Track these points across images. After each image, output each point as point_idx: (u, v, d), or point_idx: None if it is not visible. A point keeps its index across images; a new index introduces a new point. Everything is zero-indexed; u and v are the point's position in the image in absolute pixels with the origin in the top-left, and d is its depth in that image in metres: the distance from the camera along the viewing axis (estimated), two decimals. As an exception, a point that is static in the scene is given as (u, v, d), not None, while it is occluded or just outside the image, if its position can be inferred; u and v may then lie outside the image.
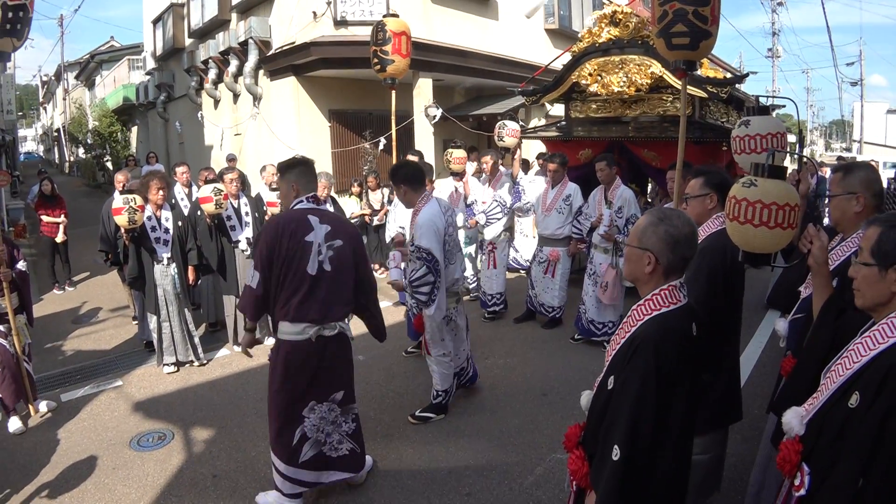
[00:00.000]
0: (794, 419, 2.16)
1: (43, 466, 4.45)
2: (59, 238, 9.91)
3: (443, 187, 8.21)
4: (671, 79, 6.90)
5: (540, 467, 4.24)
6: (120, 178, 7.88)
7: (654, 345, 2.08)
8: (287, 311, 3.63)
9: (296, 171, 3.86)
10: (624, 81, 7.35)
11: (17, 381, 5.06)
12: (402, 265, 5.17)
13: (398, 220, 6.09)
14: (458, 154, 7.78)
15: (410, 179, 4.75)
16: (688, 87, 6.66)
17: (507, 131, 7.81)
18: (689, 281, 2.30)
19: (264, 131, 12.67)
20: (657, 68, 7.04)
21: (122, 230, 5.79)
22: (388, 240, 7.51)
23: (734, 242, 2.69)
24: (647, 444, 2.03)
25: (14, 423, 5.03)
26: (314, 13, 11.04)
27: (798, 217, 2.58)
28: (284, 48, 11.62)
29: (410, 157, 7.12)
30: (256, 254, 3.70)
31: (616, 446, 2.04)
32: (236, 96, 13.83)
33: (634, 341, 2.15)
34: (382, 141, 11.56)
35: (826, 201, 3.60)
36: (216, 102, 14.93)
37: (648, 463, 2.04)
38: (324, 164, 11.81)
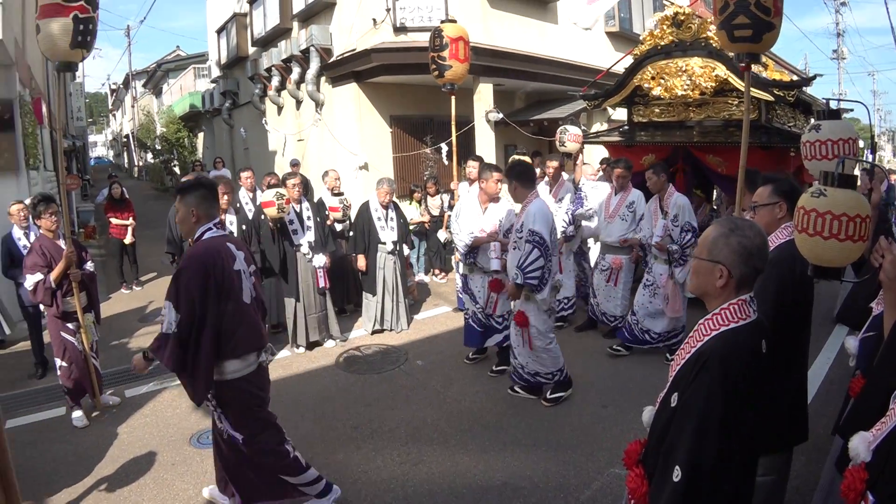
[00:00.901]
0: (861, 445, 2.04)
1: (104, 459, 4.58)
2: (128, 240, 10.25)
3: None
4: (736, 81, 6.70)
5: (597, 482, 4.12)
6: (267, 179, 8.09)
7: (721, 362, 1.97)
8: (235, 346, 3.38)
9: (196, 194, 3.47)
10: (687, 84, 7.18)
11: (84, 377, 5.24)
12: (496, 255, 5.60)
13: (466, 225, 6.05)
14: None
15: (522, 176, 5.10)
16: (753, 90, 6.50)
17: (569, 136, 7.69)
18: (756, 294, 2.18)
19: (326, 137, 12.83)
20: (722, 70, 6.85)
21: (269, 221, 5.98)
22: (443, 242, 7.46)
23: (803, 255, 2.58)
24: (710, 466, 1.92)
25: (78, 417, 5.21)
26: (374, 20, 11.13)
27: (869, 229, 2.46)
28: (345, 55, 11.74)
29: (523, 157, 7.19)
30: (174, 292, 3.25)
31: (678, 466, 1.94)
32: (299, 103, 14.05)
33: (701, 357, 2.04)
34: (444, 147, 11.57)
35: (896, 210, 3.43)
36: (279, 109, 15.21)
37: (710, 485, 1.94)
38: (385, 169, 11.90)
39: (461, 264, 6.32)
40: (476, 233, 5.96)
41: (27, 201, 6.35)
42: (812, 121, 7.84)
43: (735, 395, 1.94)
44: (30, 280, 5.02)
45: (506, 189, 5.47)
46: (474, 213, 6.08)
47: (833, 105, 4.66)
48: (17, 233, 6.30)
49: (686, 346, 2.18)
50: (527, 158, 7.76)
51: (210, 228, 3.46)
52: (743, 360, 1.99)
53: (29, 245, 5.83)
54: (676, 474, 1.94)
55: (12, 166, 8.38)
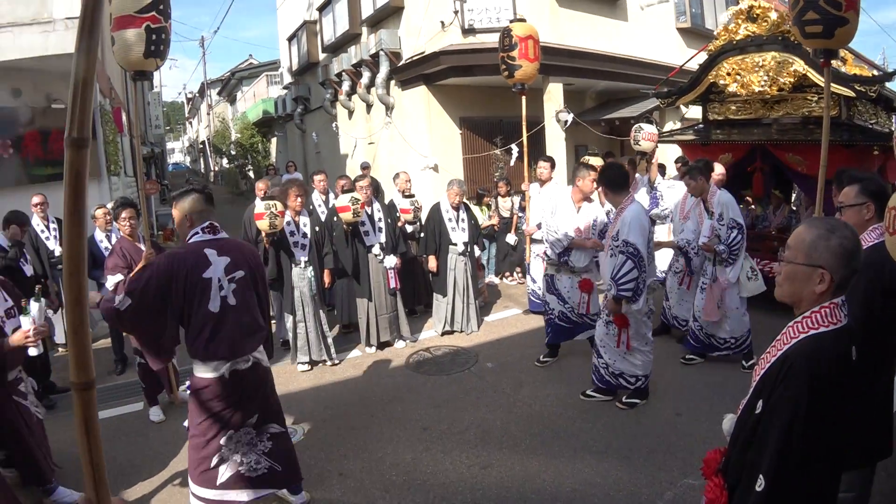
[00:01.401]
0: None
1: (177, 455, 4.69)
2: (205, 242, 10.51)
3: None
4: (815, 77, 6.41)
5: (670, 492, 3.97)
6: (261, 185, 8.30)
7: (808, 368, 1.86)
8: (196, 350, 3.45)
9: (189, 199, 3.57)
10: (765, 80, 6.91)
11: (162, 373, 5.40)
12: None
13: (562, 225, 5.98)
14: (595, 162, 7.60)
15: (612, 183, 5.00)
16: (834, 85, 6.21)
17: (644, 135, 7.50)
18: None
19: (397, 140, 12.95)
20: (800, 65, 6.56)
21: (263, 234, 6.06)
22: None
23: (894, 258, 2.43)
24: (794, 477, 1.82)
25: (155, 413, 5.41)
26: (442, 23, 11.16)
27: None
28: (414, 58, 11.83)
29: (595, 158, 7.13)
30: (133, 278, 3.45)
31: (761, 476, 1.85)
32: (369, 106, 14.23)
33: (787, 361, 1.92)
34: (514, 148, 11.51)
35: None
36: (350, 113, 15.44)
37: (793, 497, 1.84)
38: (455, 171, 11.92)
39: (544, 264, 6.26)
40: (570, 232, 5.89)
41: (109, 206, 6.60)
42: (895, 116, 7.53)
43: (822, 403, 1.83)
44: (110, 280, 5.22)
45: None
46: (568, 212, 6.01)
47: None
48: (100, 235, 6.56)
49: (771, 350, 2.06)
50: (598, 160, 7.65)
51: (197, 232, 3.52)
52: (831, 367, 1.88)
53: (110, 247, 6.05)
54: (760, 484, 1.85)
55: (95, 173, 8.73)
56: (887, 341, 2.88)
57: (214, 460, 3.50)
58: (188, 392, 5.33)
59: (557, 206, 6.13)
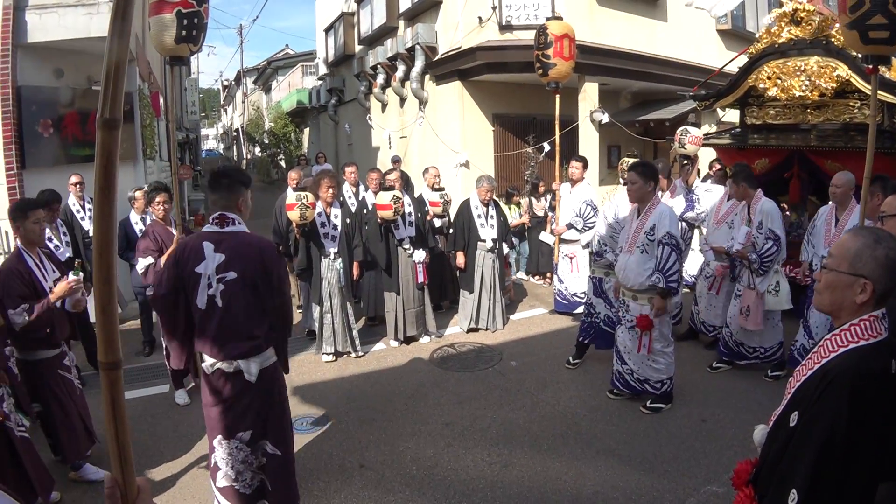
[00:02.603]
0: None
1: (202, 438, 4.72)
2: (236, 228, 10.61)
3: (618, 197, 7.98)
4: (859, 82, 6.26)
5: (693, 498, 3.93)
6: (293, 175, 8.33)
7: (849, 383, 1.81)
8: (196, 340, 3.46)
9: (209, 186, 3.52)
10: (807, 85, 6.78)
11: (188, 356, 5.45)
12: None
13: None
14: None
15: (650, 175, 4.98)
16: (880, 91, 6.07)
17: (690, 138, 7.40)
18: (887, 311, 2.00)
19: (429, 134, 12.95)
20: (843, 70, 6.41)
21: (294, 225, 6.09)
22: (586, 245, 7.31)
23: None
24: (830, 492, 1.78)
25: (181, 396, 5.50)
26: (479, 18, 11.12)
27: None
28: (450, 53, 11.81)
29: (633, 160, 7.06)
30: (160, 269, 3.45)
31: (794, 490, 1.81)
32: (403, 100, 14.24)
33: (827, 375, 1.87)
34: (546, 146, 11.45)
35: None
36: (384, 106, 15.48)
37: None
38: (486, 167, 11.89)
39: (573, 264, 6.21)
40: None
41: (146, 188, 6.70)
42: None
43: (862, 418, 1.78)
44: (141, 263, 5.31)
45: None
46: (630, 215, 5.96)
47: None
48: (135, 217, 6.65)
49: (808, 363, 2.02)
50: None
51: (209, 222, 3.44)
52: (872, 381, 1.82)
53: (144, 229, 6.14)
54: (793, 498, 1.81)
55: (132, 156, 8.86)
56: None
57: (213, 460, 3.50)
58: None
59: (619, 210, 6.09)
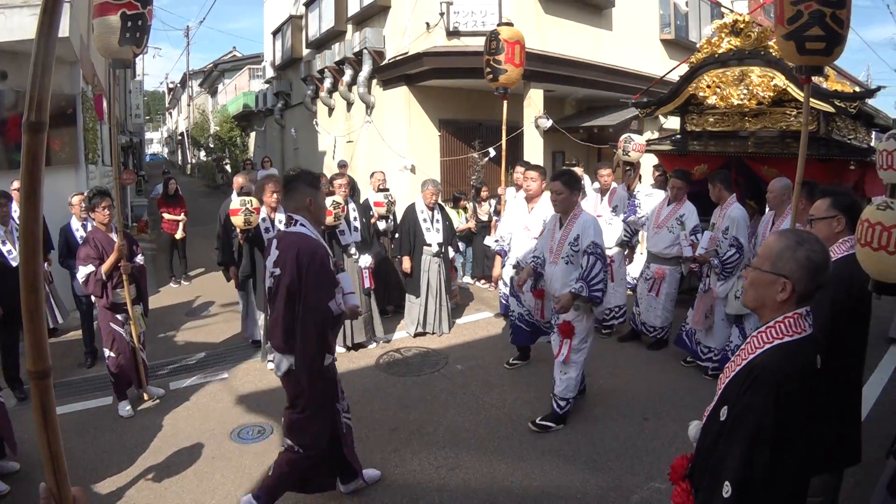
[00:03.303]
0: None
1: (147, 450, 4.65)
2: (179, 235, 10.48)
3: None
4: (795, 91, 6.50)
5: (636, 496, 4.01)
6: (240, 180, 8.19)
7: (775, 377, 1.89)
8: None
9: (283, 190, 3.79)
10: (745, 94, 7.00)
11: (131, 368, 5.36)
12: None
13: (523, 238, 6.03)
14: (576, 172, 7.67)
15: (574, 184, 4.91)
16: (813, 100, 6.30)
17: (633, 145, 7.55)
18: (811, 309, 2.09)
19: (376, 139, 12.92)
20: (781, 80, 6.65)
21: (238, 230, 6.00)
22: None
23: (865, 269, 2.47)
24: (761, 483, 1.85)
25: (124, 408, 5.32)
26: (427, 24, 11.17)
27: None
28: (397, 58, 11.81)
29: (575, 168, 7.18)
30: None
31: (728, 482, 1.88)
32: (350, 105, 14.18)
33: (753, 371, 1.96)
34: (491, 151, 11.53)
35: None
36: (330, 110, 15.39)
37: (761, 503, 1.88)
38: (432, 172, 11.93)
39: (509, 266, 6.27)
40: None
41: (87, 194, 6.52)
42: (874, 132, 7.66)
43: (788, 411, 1.86)
44: (82, 271, 5.14)
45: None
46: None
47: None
48: (76, 224, 6.49)
49: (737, 359, 2.10)
50: (580, 169, 7.71)
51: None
52: (797, 375, 1.91)
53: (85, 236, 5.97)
54: (726, 490, 1.88)
55: (73, 160, 8.61)
56: (854, 351, 2.94)
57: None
58: (156, 393, 5.36)
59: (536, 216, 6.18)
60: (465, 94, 12.50)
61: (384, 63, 12.40)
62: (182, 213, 10.60)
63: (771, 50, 6.66)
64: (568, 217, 4.93)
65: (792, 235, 2.06)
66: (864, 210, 2.48)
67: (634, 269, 8.13)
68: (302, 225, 3.57)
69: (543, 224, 5.75)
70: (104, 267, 5.11)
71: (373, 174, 8.29)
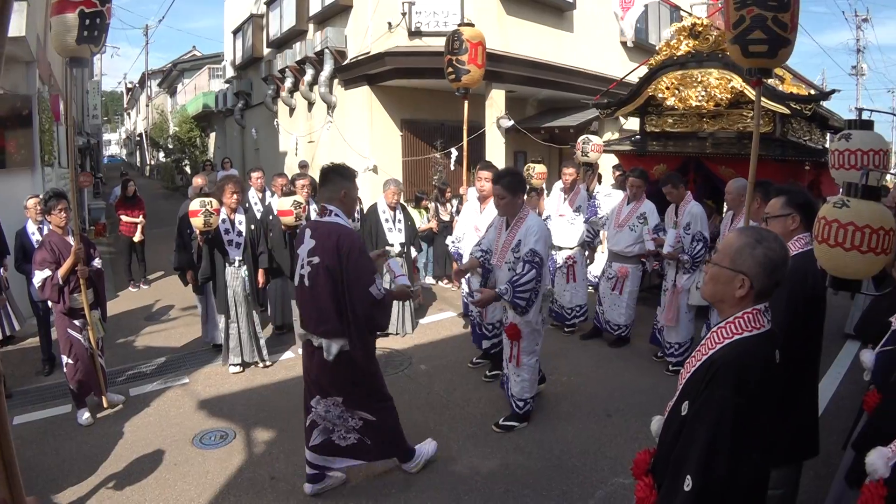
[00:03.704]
0: (879, 461, 2.01)
1: (108, 458, 4.54)
2: (137, 238, 10.24)
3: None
4: (752, 94, 6.64)
5: (601, 491, 4.06)
6: (199, 181, 8.08)
7: (734, 371, 1.93)
8: None
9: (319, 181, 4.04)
10: (703, 96, 7.14)
11: (89, 374, 5.21)
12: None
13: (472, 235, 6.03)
14: (539, 169, 7.70)
15: (518, 187, 4.81)
16: (769, 102, 6.46)
17: (592, 146, 7.66)
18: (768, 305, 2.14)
19: (337, 139, 12.86)
20: (737, 82, 6.80)
21: (197, 232, 5.91)
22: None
23: (822, 266, 2.52)
24: (721, 476, 1.88)
25: (83, 415, 5.18)
26: (389, 24, 11.16)
27: (893, 242, 2.41)
28: (359, 58, 11.78)
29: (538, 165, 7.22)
30: None
31: (689, 476, 1.90)
32: (311, 105, 14.10)
33: (713, 365, 1.99)
34: (454, 152, 11.55)
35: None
36: (291, 110, 15.28)
37: (722, 495, 1.90)
38: (394, 172, 11.90)
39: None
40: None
41: (42, 196, 6.37)
42: (829, 133, 7.85)
43: (748, 405, 1.90)
44: (38, 276, 4.99)
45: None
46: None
47: (865, 115, 4.57)
48: (32, 227, 6.34)
49: (697, 354, 2.14)
50: (542, 167, 7.76)
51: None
52: (756, 369, 1.95)
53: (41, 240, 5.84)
54: (687, 484, 1.90)
55: (28, 162, 8.41)
56: (811, 346, 3.00)
57: (308, 420, 4.00)
58: (115, 400, 5.26)
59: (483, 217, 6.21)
60: (426, 94, 12.50)
61: (346, 63, 12.35)
62: (140, 216, 10.38)
63: (729, 52, 6.79)
64: (513, 220, 4.83)
65: (751, 233, 2.10)
66: (822, 208, 2.54)
67: (595, 269, 8.23)
68: (336, 215, 3.80)
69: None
70: (61, 271, 4.97)
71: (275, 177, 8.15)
